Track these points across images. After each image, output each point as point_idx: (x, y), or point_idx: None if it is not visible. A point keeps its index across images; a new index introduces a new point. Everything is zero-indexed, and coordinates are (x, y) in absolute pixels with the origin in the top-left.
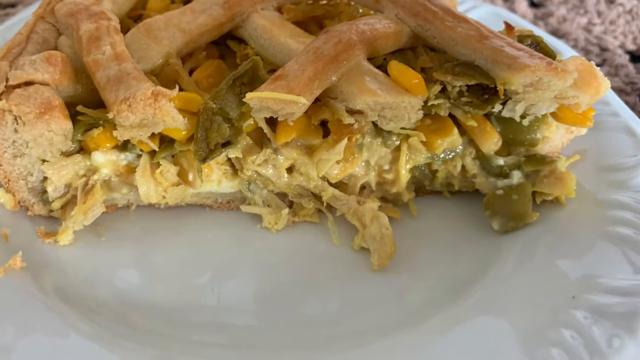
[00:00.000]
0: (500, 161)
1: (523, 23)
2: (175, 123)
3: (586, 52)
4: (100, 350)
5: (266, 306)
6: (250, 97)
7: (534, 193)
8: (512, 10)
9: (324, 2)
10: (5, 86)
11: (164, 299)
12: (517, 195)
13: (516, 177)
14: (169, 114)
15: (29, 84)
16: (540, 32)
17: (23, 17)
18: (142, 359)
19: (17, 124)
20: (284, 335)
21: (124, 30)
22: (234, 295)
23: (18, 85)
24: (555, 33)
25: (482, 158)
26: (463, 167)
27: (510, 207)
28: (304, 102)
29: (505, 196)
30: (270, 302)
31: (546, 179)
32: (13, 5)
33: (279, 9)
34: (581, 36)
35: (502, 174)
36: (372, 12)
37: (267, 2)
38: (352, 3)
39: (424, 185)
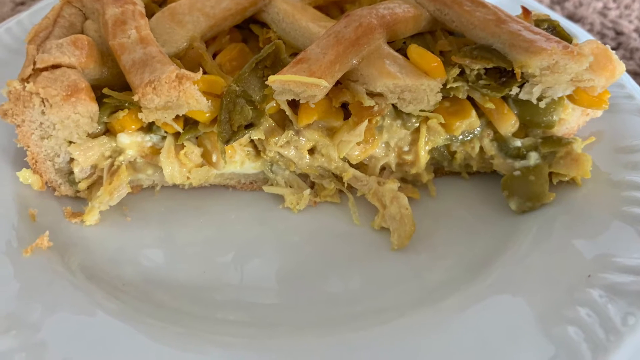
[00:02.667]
0: (518, 143)
1: (540, 7)
2: (199, 105)
3: (602, 36)
4: (126, 327)
5: (288, 285)
6: (273, 80)
7: (550, 174)
8: None
9: None
10: (33, 69)
11: (188, 278)
12: (534, 176)
13: (533, 158)
14: (193, 97)
15: (55, 67)
16: (556, 16)
17: (50, 1)
18: (167, 336)
19: (44, 106)
20: (306, 313)
21: (149, 14)
22: (256, 274)
23: (45, 68)
24: (572, 17)
25: (499, 140)
26: (481, 148)
27: (528, 187)
28: (325, 84)
29: (522, 177)
30: (292, 280)
31: (562, 160)
32: None
33: None
34: (597, 20)
35: (520, 155)
36: None
37: None
38: None
39: (443, 166)
